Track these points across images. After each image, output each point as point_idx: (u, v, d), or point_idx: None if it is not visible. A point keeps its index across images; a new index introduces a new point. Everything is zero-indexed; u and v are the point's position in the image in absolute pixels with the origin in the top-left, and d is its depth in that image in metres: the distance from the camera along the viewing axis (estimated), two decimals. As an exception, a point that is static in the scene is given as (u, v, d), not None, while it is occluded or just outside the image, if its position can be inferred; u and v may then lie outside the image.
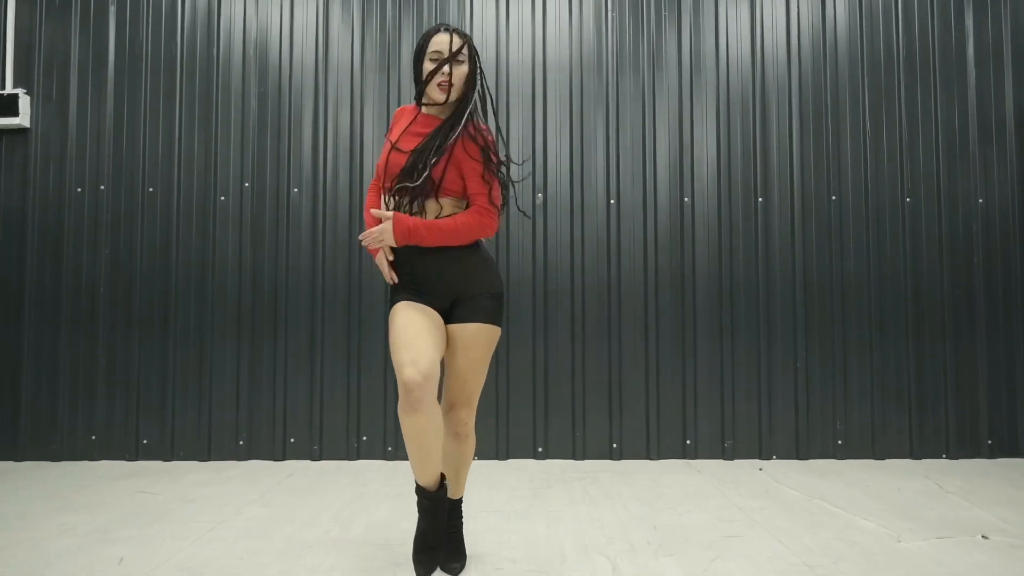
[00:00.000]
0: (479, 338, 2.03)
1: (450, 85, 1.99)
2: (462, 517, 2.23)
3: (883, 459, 3.86)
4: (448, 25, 2.07)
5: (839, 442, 3.88)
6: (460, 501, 2.20)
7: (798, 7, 4.07)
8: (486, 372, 2.10)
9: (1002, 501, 2.98)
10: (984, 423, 3.90)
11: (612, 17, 4.06)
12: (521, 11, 4.07)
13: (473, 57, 2.04)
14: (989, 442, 3.89)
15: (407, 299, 2.02)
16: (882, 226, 3.97)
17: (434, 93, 2.01)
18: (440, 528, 2.02)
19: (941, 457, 3.87)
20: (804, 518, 2.72)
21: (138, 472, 3.65)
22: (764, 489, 3.20)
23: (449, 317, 2.07)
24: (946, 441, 3.89)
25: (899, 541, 2.45)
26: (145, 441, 3.93)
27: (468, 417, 2.08)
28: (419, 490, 1.99)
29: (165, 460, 3.91)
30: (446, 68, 1.98)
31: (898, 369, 3.91)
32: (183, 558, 2.28)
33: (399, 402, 1.86)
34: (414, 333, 1.90)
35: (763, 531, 2.55)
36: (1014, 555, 2.30)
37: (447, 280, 2.04)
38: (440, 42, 2.01)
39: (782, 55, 4.05)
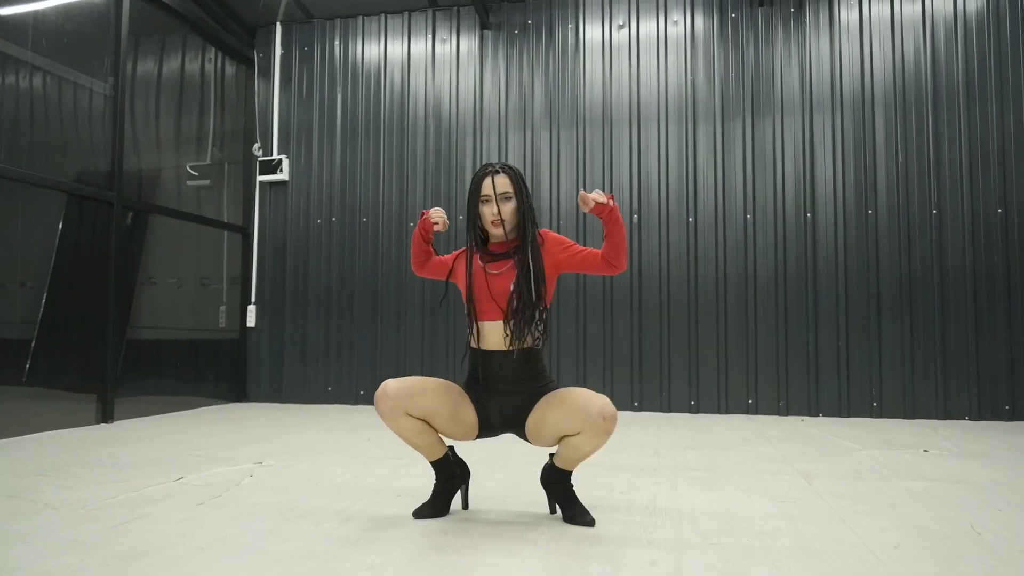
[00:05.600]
0: (552, 397, 2.21)
1: (502, 220, 2.25)
2: (572, 484, 2.32)
3: (913, 419, 4.86)
4: (493, 165, 2.30)
5: (875, 404, 4.92)
6: (571, 473, 2.30)
7: (840, 60, 5.15)
8: (573, 392, 2.18)
9: (973, 439, 3.96)
10: (1002, 393, 4.78)
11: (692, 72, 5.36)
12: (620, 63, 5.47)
13: (519, 188, 2.28)
14: (1007, 407, 4.76)
15: (467, 390, 2.33)
16: (912, 233, 4.95)
17: (491, 230, 2.28)
18: (441, 487, 2.35)
19: (964, 419, 4.81)
20: (808, 442, 3.90)
21: (359, 412, 5.43)
22: (793, 430, 4.39)
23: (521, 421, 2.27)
24: (968, 406, 4.81)
25: (860, 450, 3.62)
26: (362, 392, 5.74)
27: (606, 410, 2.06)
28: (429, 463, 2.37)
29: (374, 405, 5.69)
30: (493, 208, 2.25)
31: (927, 347, 4.89)
32: (385, 448, 3.90)
33: None
34: (414, 378, 2.26)
35: (771, 445, 3.79)
36: (935, 460, 3.37)
37: (514, 405, 2.27)
38: (486, 186, 2.26)
39: (828, 100, 5.14)
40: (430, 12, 5.84)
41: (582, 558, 1.91)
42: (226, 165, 6.08)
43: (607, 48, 5.52)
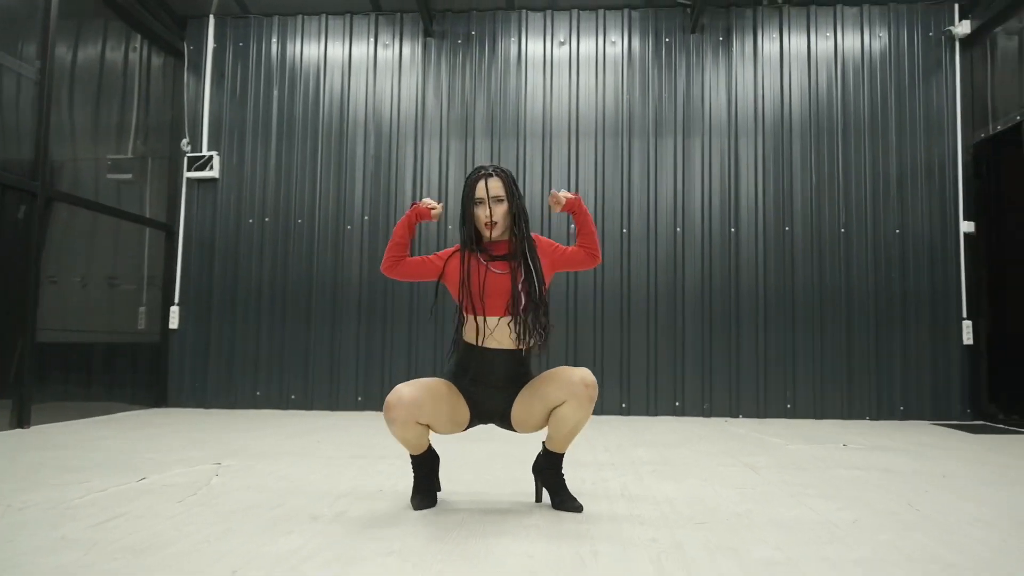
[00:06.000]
0: (533, 380, 2.36)
1: (493, 223, 2.34)
2: (563, 473, 2.43)
3: (823, 419, 5.29)
4: (486, 168, 2.39)
5: (788, 406, 5.33)
6: (562, 457, 2.40)
7: (763, 87, 5.58)
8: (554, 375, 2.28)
9: (879, 435, 4.38)
10: (897, 395, 5.30)
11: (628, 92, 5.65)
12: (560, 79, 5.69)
13: (511, 191, 2.36)
14: (901, 408, 5.29)
15: (455, 384, 2.38)
16: (823, 249, 5.42)
17: (484, 231, 2.36)
18: (425, 477, 2.42)
19: (865, 419, 5.29)
20: (740, 439, 4.19)
21: (292, 416, 5.30)
22: (722, 429, 4.69)
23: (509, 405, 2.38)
24: (869, 407, 5.30)
25: (788, 445, 3.94)
26: (293, 397, 5.62)
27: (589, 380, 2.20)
28: (410, 456, 2.42)
29: (307, 410, 5.58)
30: (486, 210, 2.33)
31: (835, 354, 5.35)
32: (340, 449, 3.87)
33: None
34: (425, 385, 2.29)
35: (709, 443, 4.04)
36: (857, 453, 3.72)
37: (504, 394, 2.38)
38: (480, 189, 2.34)
39: (751, 124, 5.55)
40: (373, 16, 5.84)
41: (588, 537, 2.03)
42: (150, 160, 5.81)
43: (548, 63, 5.72)
